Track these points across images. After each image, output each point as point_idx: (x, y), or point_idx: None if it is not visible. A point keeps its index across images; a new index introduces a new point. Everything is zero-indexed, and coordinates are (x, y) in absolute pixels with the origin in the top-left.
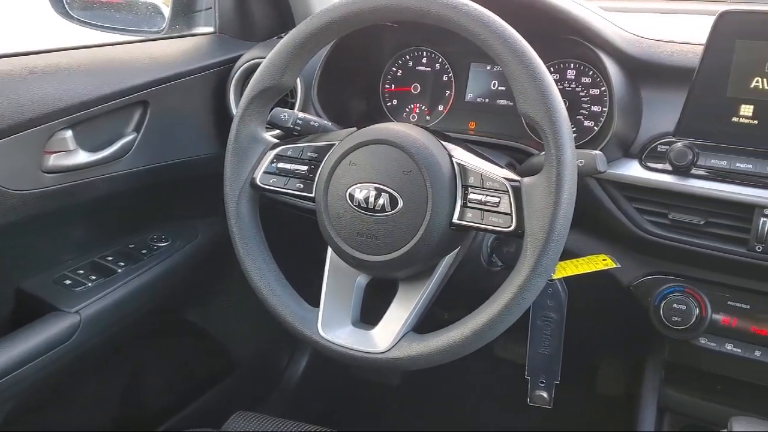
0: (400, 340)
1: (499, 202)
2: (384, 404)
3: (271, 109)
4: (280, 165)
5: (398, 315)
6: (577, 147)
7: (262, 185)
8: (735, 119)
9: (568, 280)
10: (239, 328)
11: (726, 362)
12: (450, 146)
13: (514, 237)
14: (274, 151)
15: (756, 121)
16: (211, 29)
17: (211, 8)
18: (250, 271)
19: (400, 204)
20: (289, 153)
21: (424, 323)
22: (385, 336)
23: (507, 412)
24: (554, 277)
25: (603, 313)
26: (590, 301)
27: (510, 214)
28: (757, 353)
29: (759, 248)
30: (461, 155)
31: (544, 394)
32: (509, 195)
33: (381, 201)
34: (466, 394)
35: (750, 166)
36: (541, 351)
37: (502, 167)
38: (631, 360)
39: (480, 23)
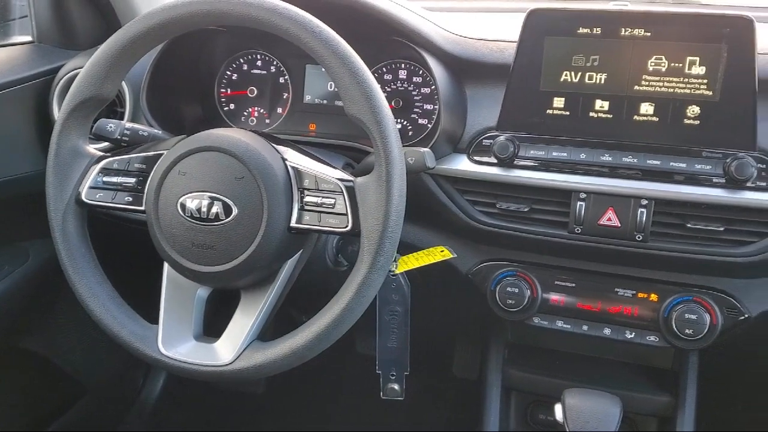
0: (244, 350)
1: (335, 203)
2: (250, 413)
3: (96, 121)
4: (106, 179)
5: (242, 325)
6: (413, 144)
7: (88, 201)
8: (549, 111)
9: (411, 273)
10: (88, 352)
11: (559, 338)
12: (283, 149)
13: (352, 236)
14: (100, 165)
15: (568, 112)
16: (29, 38)
17: (26, 16)
18: (82, 292)
19: (235, 211)
20: (115, 165)
21: (282, 329)
22: (229, 347)
23: (374, 407)
24: (396, 271)
25: (449, 301)
26: (435, 291)
27: (346, 215)
28: (585, 327)
29: (578, 230)
30: (295, 158)
31: (396, 387)
32: (344, 195)
33: (215, 210)
34: (333, 394)
35: (565, 154)
36: (389, 345)
37: (336, 168)
38: (480, 344)
39: (301, 26)
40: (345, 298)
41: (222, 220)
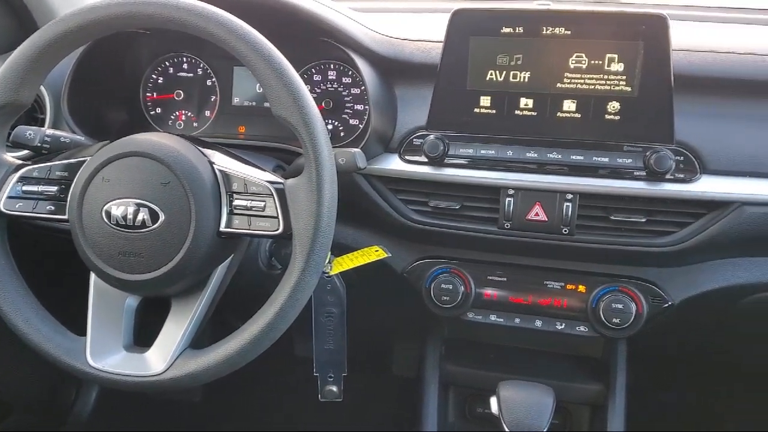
0: (176, 359)
1: (265, 206)
2: (187, 422)
3: (14, 128)
4: (26, 188)
5: (173, 333)
6: (346, 145)
7: (7, 211)
8: (476, 110)
9: (346, 274)
10: (12, 369)
11: (494, 332)
12: (210, 153)
13: (284, 239)
14: (18, 173)
15: (494, 111)
16: None
17: None
18: (3, 306)
19: (162, 218)
20: (35, 174)
21: (219, 335)
22: (161, 357)
23: (315, 410)
24: (331, 272)
25: (386, 300)
26: (372, 291)
27: (277, 217)
28: (517, 320)
29: (507, 225)
30: (223, 161)
31: (334, 388)
32: (274, 198)
33: (141, 216)
34: (272, 398)
35: (493, 152)
36: (326, 347)
37: (265, 171)
38: (419, 341)
39: (224, 28)
40: (278, 301)
41: (149, 226)
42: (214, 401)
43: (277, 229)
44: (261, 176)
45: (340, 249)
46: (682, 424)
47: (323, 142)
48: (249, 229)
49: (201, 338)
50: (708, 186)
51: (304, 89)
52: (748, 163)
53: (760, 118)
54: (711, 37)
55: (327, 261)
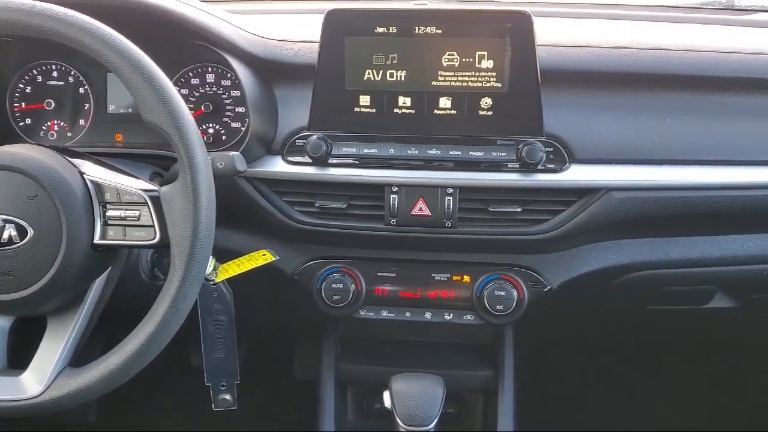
0: (55, 379)
1: (140, 215)
2: None
3: None
4: None
5: (50, 352)
6: (228, 148)
7: None
8: (357, 109)
9: (235, 280)
10: None
11: (387, 327)
12: (80, 163)
13: (162, 248)
14: None
15: (374, 110)
16: None
17: None
18: None
19: (31, 233)
20: None
21: (108, 351)
22: (38, 378)
23: (216, 420)
24: (217, 279)
25: (280, 303)
26: (264, 295)
27: (153, 226)
28: (408, 314)
29: (393, 222)
30: (94, 171)
31: (228, 397)
32: (149, 206)
33: (7, 233)
34: (170, 411)
35: (375, 150)
36: (216, 355)
37: (139, 179)
38: (317, 342)
39: (87, 33)
40: (159, 313)
41: (17, 243)
42: (110, 419)
43: (154, 238)
44: (134, 184)
45: (225, 254)
46: (571, 404)
47: (197, 146)
48: (125, 240)
49: (88, 355)
50: (577, 174)
51: (174, 93)
52: (613, 151)
53: (623, 108)
54: (576, 32)
55: (212, 268)
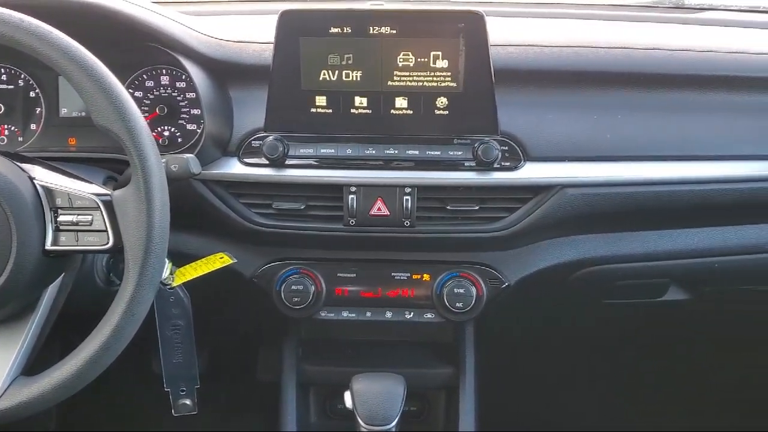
0: (7, 388)
1: (92, 219)
2: None
3: None
4: None
5: (2, 362)
6: (184, 150)
7: None
8: (313, 110)
9: (193, 284)
10: None
11: (348, 328)
12: (29, 168)
13: (116, 253)
14: None
15: (331, 110)
16: None
17: None
18: None
19: None
20: None
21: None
22: None
23: (179, 425)
24: (174, 284)
25: (239, 306)
26: (224, 298)
27: (106, 231)
28: (368, 314)
29: (352, 222)
30: (44, 176)
31: (188, 402)
32: (101, 211)
33: None
34: (132, 418)
35: (332, 150)
36: (175, 360)
37: (91, 183)
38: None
39: (36, 37)
40: (113, 319)
41: None
42: (71, 428)
43: (107, 243)
44: (86, 189)
45: (184, 258)
46: (534, 401)
47: (149, 149)
48: (77, 246)
49: (45, 362)
50: (531, 172)
51: (125, 95)
52: (566, 148)
53: (575, 106)
54: (529, 31)
55: (168, 272)
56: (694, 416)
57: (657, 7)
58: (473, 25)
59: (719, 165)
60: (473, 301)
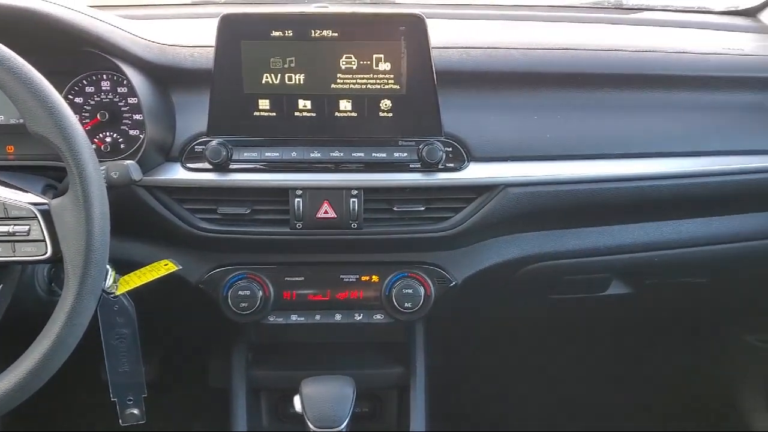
0: None
1: (29, 229)
2: None
3: None
4: None
5: None
6: (127, 156)
7: None
8: (256, 113)
9: (138, 292)
10: None
11: (298, 331)
12: None
13: (55, 263)
14: None
15: (274, 113)
16: None
17: None
18: None
19: None
20: None
21: None
22: None
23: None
24: (118, 292)
25: (187, 313)
26: (170, 305)
27: (44, 241)
28: (318, 317)
29: (299, 225)
30: None
31: (135, 411)
32: (39, 221)
33: None
34: (80, 427)
35: (277, 154)
36: (121, 369)
37: (28, 192)
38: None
39: None
40: (53, 330)
41: None
42: None
43: (46, 253)
44: (22, 198)
45: (128, 266)
46: (487, 399)
47: (86, 156)
48: (14, 256)
49: None
50: (475, 172)
51: (60, 102)
52: (508, 148)
53: (517, 107)
54: (470, 33)
55: (112, 281)
56: (640, 411)
57: (596, 8)
58: (414, 27)
59: (655, 162)
60: (421, 301)
